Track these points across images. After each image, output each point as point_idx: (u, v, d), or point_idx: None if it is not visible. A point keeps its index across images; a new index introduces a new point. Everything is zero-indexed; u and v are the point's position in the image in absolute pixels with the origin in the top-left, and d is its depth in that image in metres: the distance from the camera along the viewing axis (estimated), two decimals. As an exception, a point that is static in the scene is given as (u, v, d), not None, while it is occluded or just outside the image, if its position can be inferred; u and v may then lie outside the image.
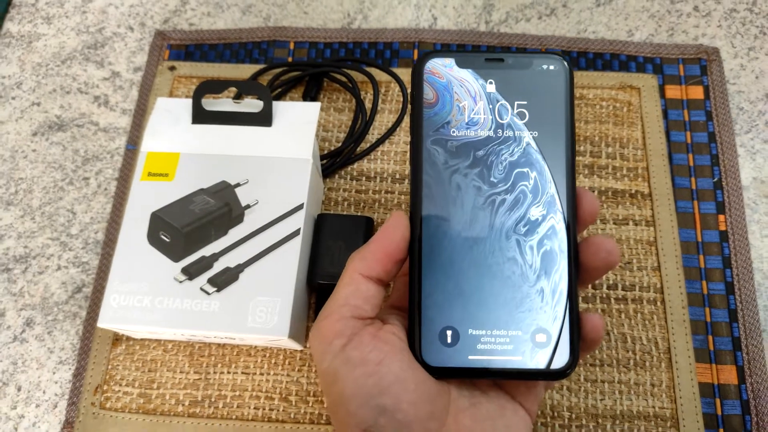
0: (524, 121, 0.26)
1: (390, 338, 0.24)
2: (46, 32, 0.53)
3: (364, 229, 0.40)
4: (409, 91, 0.47)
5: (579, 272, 0.25)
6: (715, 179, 0.44)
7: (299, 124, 0.39)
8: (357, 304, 0.24)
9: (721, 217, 0.43)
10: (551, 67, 0.26)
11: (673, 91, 0.47)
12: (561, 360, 0.24)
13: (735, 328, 0.40)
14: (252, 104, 0.40)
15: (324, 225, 0.40)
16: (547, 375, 0.24)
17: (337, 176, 0.45)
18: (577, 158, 0.45)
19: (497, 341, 0.24)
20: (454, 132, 0.25)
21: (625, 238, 0.42)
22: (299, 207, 0.37)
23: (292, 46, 0.51)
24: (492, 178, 0.25)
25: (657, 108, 0.46)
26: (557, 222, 0.25)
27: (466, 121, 0.26)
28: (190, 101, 0.40)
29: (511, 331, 0.24)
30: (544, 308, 0.24)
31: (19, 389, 0.41)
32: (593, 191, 0.43)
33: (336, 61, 0.49)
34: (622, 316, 0.40)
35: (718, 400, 0.38)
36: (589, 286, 0.40)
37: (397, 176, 0.45)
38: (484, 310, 0.24)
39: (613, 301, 0.40)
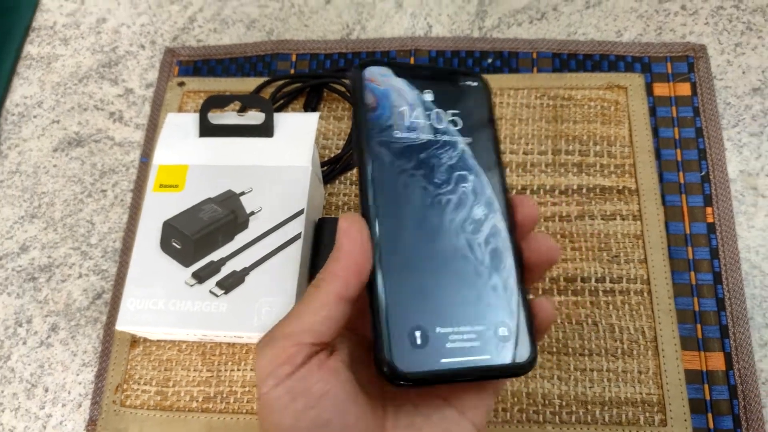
0: (458, 128, 0.27)
1: (338, 367, 0.23)
2: (63, 53, 0.56)
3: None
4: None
5: (524, 268, 0.26)
6: (703, 173, 0.46)
7: (299, 134, 0.42)
8: (322, 331, 0.23)
9: (709, 210, 0.44)
10: (474, 84, 0.28)
11: (661, 89, 0.49)
12: (523, 352, 0.24)
13: (723, 316, 0.41)
14: (255, 117, 0.43)
15: (324, 228, 0.42)
16: (514, 369, 0.24)
17: (337, 182, 0.47)
18: (566, 157, 0.46)
19: (465, 337, 0.24)
20: (396, 134, 0.26)
21: (613, 232, 0.43)
22: (300, 212, 0.39)
23: (294, 58, 0.53)
24: (436, 179, 0.26)
25: (644, 106, 0.47)
26: (498, 221, 0.26)
27: (407, 125, 0.26)
28: (197, 116, 0.43)
29: (476, 327, 0.24)
30: (500, 303, 0.24)
31: (46, 390, 0.44)
32: (582, 188, 0.45)
33: (335, 71, 0.51)
34: (610, 307, 0.41)
35: (706, 386, 0.40)
36: (578, 279, 0.42)
37: (395, 180, 0.47)
38: (448, 307, 0.24)
39: (601, 293, 0.42)
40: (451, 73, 0.28)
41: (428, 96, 0.27)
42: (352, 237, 0.23)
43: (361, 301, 0.24)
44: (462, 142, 0.27)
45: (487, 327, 0.24)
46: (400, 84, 0.27)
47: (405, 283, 0.24)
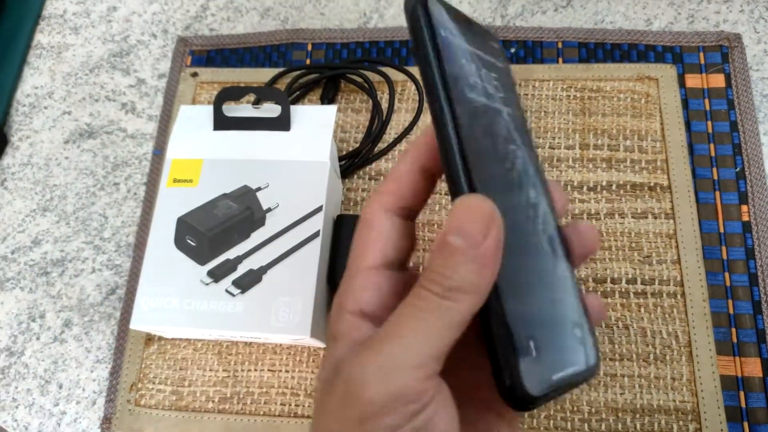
0: (501, 96, 0.22)
1: (448, 394, 0.19)
2: (74, 42, 0.55)
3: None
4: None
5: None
6: (738, 169, 0.44)
7: (316, 128, 0.40)
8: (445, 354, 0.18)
9: (744, 208, 0.42)
10: (500, 47, 0.24)
11: (693, 80, 0.46)
12: (594, 354, 0.20)
13: (759, 319, 0.40)
14: (270, 109, 0.41)
15: (343, 225, 0.41)
16: (590, 373, 0.20)
17: (355, 176, 0.46)
18: (594, 152, 0.45)
19: (559, 344, 0.19)
20: (467, 93, 0.20)
21: (644, 231, 0.42)
22: (318, 209, 0.38)
23: (309, 47, 0.52)
24: (500, 153, 0.20)
25: (676, 98, 0.45)
26: (546, 206, 0.21)
27: (470, 83, 0.21)
28: (211, 108, 0.41)
29: (564, 330, 0.20)
30: (569, 299, 0.20)
31: (60, 387, 0.43)
32: (611, 185, 0.43)
33: (352, 62, 0.49)
34: (642, 310, 0.40)
35: (742, 393, 0.38)
36: (608, 280, 0.41)
37: (415, 175, 0.45)
38: (541, 303, 0.19)
39: (632, 295, 0.40)
40: (487, 32, 0.23)
41: (479, 52, 0.22)
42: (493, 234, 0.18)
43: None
44: (505, 112, 0.21)
45: (570, 330, 0.20)
46: (458, 31, 0.21)
47: (517, 278, 0.19)
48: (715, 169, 0.44)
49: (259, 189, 0.39)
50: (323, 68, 0.49)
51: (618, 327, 0.39)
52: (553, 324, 0.19)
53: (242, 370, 0.41)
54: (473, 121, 0.20)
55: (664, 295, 0.40)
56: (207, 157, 0.40)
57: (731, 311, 0.40)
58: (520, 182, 0.20)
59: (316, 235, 0.38)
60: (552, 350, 0.19)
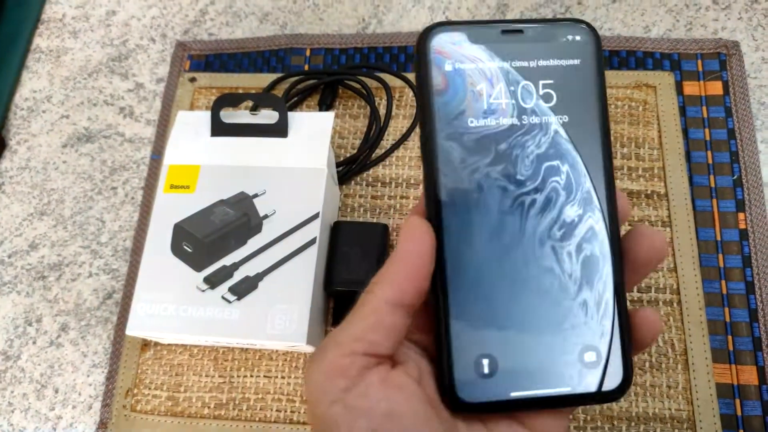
0: (551, 105, 0.21)
1: (403, 381, 0.20)
2: (73, 46, 0.55)
3: (380, 236, 0.41)
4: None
5: (624, 273, 0.21)
6: (735, 177, 0.44)
7: (314, 134, 0.40)
8: (375, 340, 0.20)
9: (741, 215, 0.42)
10: (577, 38, 0.22)
11: (691, 88, 0.46)
12: (614, 379, 0.20)
13: (755, 327, 0.40)
14: (268, 115, 0.41)
15: (340, 232, 0.41)
16: (598, 398, 0.21)
17: (352, 182, 0.46)
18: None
19: (541, 365, 0.20)
20: (471, 123, 0.21)
21: (641, 239, 0.42)
22: (315, 216, 0.38)
23: (308, 53, 0.52)
24: (518, 176, 0.21)
25: (674, 106, 0.45)
26: (596, 221, 0.21)
27: (485, 108, 0.21)
28: (209, 114, 0.41)
29: (555, 353, 0.21)
30: (590, 323, 0.21)
31: (56, 391, 0.43)
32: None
33: (350, 68, 0.49)
34: (638, 318, 0.40)
35: (737, 401, 0.38)
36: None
37: (412, 181, 0.45)
38: (523, 331, 0.21)
39: (628, 303, 0.40)
40: (546, 26, 0.22)
41: (515, 64, 0.21)
42: (412, 239, 0.21)
43: (430, 313, 0.22)
44: (556, 123, 0.21)
45: (570, 353, 0.21)
46: (477, 52, 0.21)
47: (475, 302, 0.21)
48: (712, 177, 0.44)
49: (256, 195, 0.39)
50: (321, 74, 0.49)
51: (614, 335, 0.39)
52: (532, 347, 0.20)
53: (238, 376, 0.41)
54: (463, 154, 0.21)
55: (661, 303, 0.40)
56: (204, 163, 0.40)
57: (727, 319, 0.40)
58: (542, 204, 0.21)
59: (312, 242, 0.38)
60: (518, 372, 0.20)
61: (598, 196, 0.21)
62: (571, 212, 0.21)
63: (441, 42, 0.21)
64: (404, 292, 0.20)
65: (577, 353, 0.21)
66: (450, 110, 0.21)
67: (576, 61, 0.22)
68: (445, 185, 0.21)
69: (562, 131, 0.21)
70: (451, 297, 0.21)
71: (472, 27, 0.22)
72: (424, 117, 0.21)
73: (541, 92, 0.21)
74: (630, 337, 0.21)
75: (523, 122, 0.21)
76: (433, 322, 0.22)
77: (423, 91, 0.21)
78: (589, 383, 0.20)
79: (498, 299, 0.21)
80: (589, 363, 0.20)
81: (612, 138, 0.45)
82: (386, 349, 0.21)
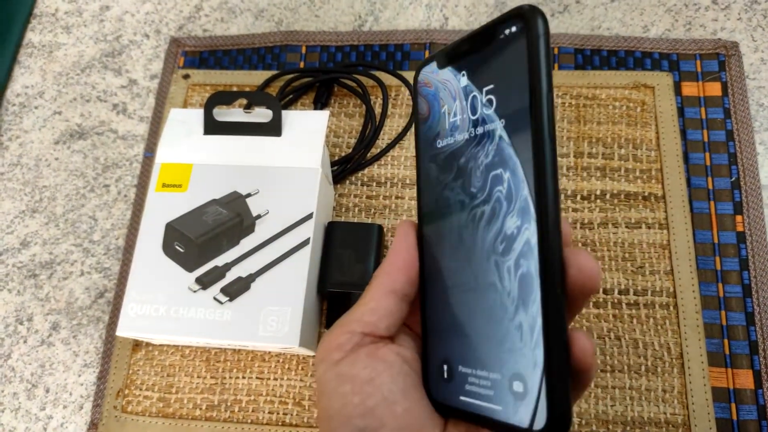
0: (493, 110, 0.20)
1: (389, 357, 0.23)
2: (65, 41, 0.54)
3: (375, 237, 0.40)
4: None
5: (566, 297, 0.19)
6: (733, 179, 0.43)
7: (308, 133, 0.40)
8: (371, 321, 0.23)
9: (739, 218, 0.42)
10: (513, 29, 0.20)
11: (689, 89, 0.46)
12: (542, 417, 0.18)
13: (752, 331, 0.39)
14: (262, 114, 0.41)
15: (334, 233, 0.40)
16: (517, 429, 0.19)
17: (347, 182, 0.45)
18: (589, 160, 0.44)
19: (481, 383, 0.20)
20: (440, 144, 0.22)
21: (638, 241, 0.41)
22: (309, 216, 0.38)
23: (303, 50, 0.51)
24: (472, 188, 0.21)
25: (672, 107, 0.45)
26: (531, 234, 0.19)
27: (448, 127, 0.22)
28: (202, 112, 0.41)
29: (492, 374, 0.20)
30: (523, 349, 0.19)
31: (47, 391, 0.43)
32: (605, 194, 0.43)
33: (346, 66, 0.49)
34: (634, 321, 0.39)
35: (733, 405, 0.38)
36: (600, 290, 0.40)
37: (407, 181, 0.45)
38: (472, 346, 0.21)
39: (624, 306, 0.40)
40: (488, 27, 0.21)
41: (466, 77, 0.21)
42: (401, 236, 0.24)
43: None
44: (500, 128, 0.20)
45: (503, 377, 0.19)
46: (445, 75, 0.22)
47: (443, 311, 0.22)
48: (710, 179, 0.43)
49: (249, 195, 0.38)
50: (316, 72, 0.48)
51: (609, 338, 0.39)
52: (476, 361, 0.21)
53: (230, 378, 0.40)
54: (436, 173, 0.23)
55: (657, 306, 0.40)
56: (197, 161, 0.40)
57: (724, 322, 0.40)
58: (488, 216, 0.21)
59: (306, 242, 0.37)
60: (466, 381, 0.21)
61: (533, 203, 0.19)
62: (511, 224, 0.19)
63: (425, 73, 0.23)
64: (395, 281, 0.24)
65: (508, 380, 0.19)
66: (430, 134, 0.23)
67: (510, 56, 0.20)
68: (425, 203, 0.23)
69: (505, 136, 0.20)
70: (427, 301, 0.23)
71: (440, 52, 0.23)
72: (415, 143, 0.24)
73: (484, 99, 0.21)
74: (567, 371, 0.18)
75: (476, 133, 0.21)
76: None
77: (414, 120, 0.24)
78: (521, 417, 0.18)
79: (457, 310, 0.22)
80: (518, 394, 0.19)
81: (611, 138, 0.44)
82: (381, 330, 0.23)
